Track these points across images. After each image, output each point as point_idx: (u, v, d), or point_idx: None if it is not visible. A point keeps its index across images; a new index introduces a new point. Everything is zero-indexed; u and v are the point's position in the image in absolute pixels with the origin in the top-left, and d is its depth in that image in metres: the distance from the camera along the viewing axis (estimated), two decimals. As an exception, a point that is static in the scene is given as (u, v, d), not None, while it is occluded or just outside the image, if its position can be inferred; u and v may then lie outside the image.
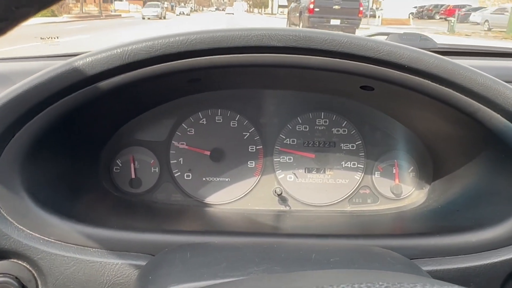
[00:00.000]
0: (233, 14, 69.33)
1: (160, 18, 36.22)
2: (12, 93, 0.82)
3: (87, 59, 0.85)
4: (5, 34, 0.45)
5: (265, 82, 1.18)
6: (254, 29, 0.90)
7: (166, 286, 0.62)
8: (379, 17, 30.18)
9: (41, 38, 1.57)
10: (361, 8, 15.71)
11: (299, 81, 1.14)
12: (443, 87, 0.90)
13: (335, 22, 15.00)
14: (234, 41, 0.88)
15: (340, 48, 0.89)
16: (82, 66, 0.85)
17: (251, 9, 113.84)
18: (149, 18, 34.69)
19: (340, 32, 0.93)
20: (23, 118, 0.84)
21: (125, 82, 0.89)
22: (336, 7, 15.13)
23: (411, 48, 0.91)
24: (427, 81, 0.90)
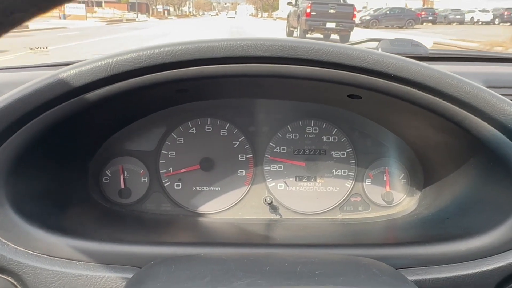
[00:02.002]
0: (234, 17, 73.21)
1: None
2: None
3: (71, 71, 0.85)
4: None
5: (254, 92, 1.18)
6: (240, 39, 0.89)
7: None
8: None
9: (30, 48, 1.56)
10: (354, 12, 16.69)
11: (287, 90, 1.13)
12: (430, 96, 0.89)
13: (330, 25, 15.98)
14: (220, 52, 0.88)
15: (326, 57, 0.88)
16: (66, 79, 0.84)
17: (259, 13, 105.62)
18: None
19: (326, 42, 0.93)
20: (7, 131, 0.83)
21: (111, 93, 0.88)
22: (332, 11, 16.12)
23: (397, 57, 0.91)
24: (414, 89, 0.89)
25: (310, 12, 16.05)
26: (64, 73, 0.84)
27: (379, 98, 0.96)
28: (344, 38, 15.96)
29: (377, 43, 1.86)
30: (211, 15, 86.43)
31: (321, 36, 16.55)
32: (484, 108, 0.87)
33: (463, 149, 1.02)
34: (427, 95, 0.89)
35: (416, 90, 0.90)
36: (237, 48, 0.88)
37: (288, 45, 0.89)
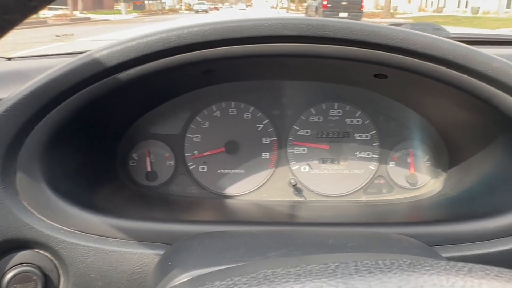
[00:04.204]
0: (245, 9, 68.42)
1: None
2: (31, 87, 0.84)
3: (103, 52, 0.87)
4: None
5: (279, 73, 1.18)
6: (267, 18, 0.90)
7: (186, 270, 0.63)
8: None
9: (56, 35, 1.58)
10: (362, 4, 20.24)
11: (312, 71, 1.14)
12: (458, 73, 0.89)
13: (343, 14, 19.11)
14: (248, 31, 0.89)
15: (353, 35, 0.89)
16: (99, 58, 0.86)
17: (279, 4, 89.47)
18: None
19: (353, 20, 0.93)
20: (42, 111, 0.85)
21: (140, 74, 0.90)
22: (344, 2, 19.62)
23: (425, 34, 0.90)
24: (441, 67, 0.89)
25: (326, 4, 19.60)
26: (97, 53, 0.86)
27: (406, 77, 0.96)
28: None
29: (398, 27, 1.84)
30: (199, 11, 52.66)
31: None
32: None
33: (490, 127, 1.01)
34: (455, 72, 0.89)
35: (444, 68, 0.89)
36: (264, 28, 0.89)
37: (316, 24, 0.89)
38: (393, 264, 0.35)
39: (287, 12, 52.71)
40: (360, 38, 0.89)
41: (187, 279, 0.60)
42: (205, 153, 1.28)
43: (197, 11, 53.78)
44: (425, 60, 0.89)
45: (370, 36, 0.89)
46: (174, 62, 0.90)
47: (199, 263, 0.65)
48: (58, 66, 0.87)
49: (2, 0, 0.38)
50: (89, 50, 0.90)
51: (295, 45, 0.91)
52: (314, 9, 21.57)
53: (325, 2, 19.48)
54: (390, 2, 29.68)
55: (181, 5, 77.16)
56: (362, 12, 20.19)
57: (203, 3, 59.86)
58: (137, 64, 0.89)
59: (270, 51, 0.92)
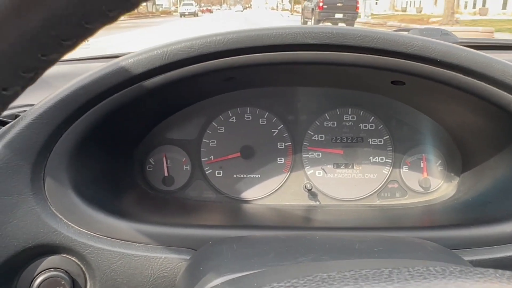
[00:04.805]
0: (241, 11, 64.90)
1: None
2: (61, 94, 0.86)
3: (129, 60, 0.88)
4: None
5: (296, 79, 1.20)
6: (289, 27, 0.92)
7: (220, 275, 0.65)
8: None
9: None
10: (358, 5, 20.50)
11: (329, 78, 1.16)
12: (476, 80, 0.91)
13: (338, 15, 19.78)
14: (270, 40, 0.91)
15: (373, 44, 0.91)
16: (125, 67, 0.88)
17: (279, 5, 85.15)
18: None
19: (372, 29, 0.96)
20: (71, 118, 0.87)
21: (165, 82, 0.92)
22: (339, 4, 19.85)
23: (443, 43, 0.92)
24: (459, 74, 0.91)
25: (322, 6, 19.84)
26: (123, 62, 0.88)
27: (423, 83, 0.98)
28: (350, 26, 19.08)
29: (407, 32, 1.87)
30: (186, 14, 43.64)
31: (331, 25, 19.15)
32: None
33: (504, 133, 1.03)
34: (472, 79, 0.91)
35: (461, 75, 0.91)
36: (286, 36, 0.91)
37: (336, 32, 0.91)
38: (445, 271, 0.36)
39: (291, 14, 47.17)
40: (379, 46, 0.91)
41: (231, 278, 0.61)
42: (221, 158, 1.30)
43: (183, 15, 43.35)
44: (443, 68, 0.91)
45: (389, 44, 0.91)
46: (198, 70, 0.92)
47: (232, 268, 0.67)
48: (86, 74, 0.88)
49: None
50: (105, 56, 0.92)
51: (315, 53, 0.94)
52: (310, 11, 21.95)
53: (321, 4, 19.84)
54: (453, 4, 23.17)
55: (176, 7, 69.41)
56: (357, 13, 20.63)
57: (190, 4, 47.31)
58: (162, 72, 0.91)
59: (292, 59, 0.94)
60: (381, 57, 0.93)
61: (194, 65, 0.92)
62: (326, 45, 0.92)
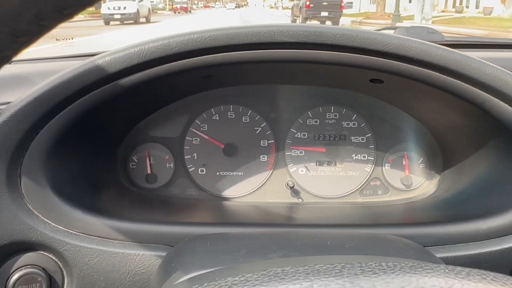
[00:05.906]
0: (233, 9, 62.46)
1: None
2: (36, 92, 0.86)
3: (106, 58, 0.89)
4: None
5: (276, 78, 1.21)
6: (266, 25, 0.93)
7: (189, 272, 0.65)
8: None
9: (56, 39, 1.60)
10: (342, 4, 21.64)
11: (310, 76, 1.16)
12: (452, 79, 0.92)
13: (324, 13, 20.91)
14: (247, 38, 0.91)
15: (350, 42, 0.91)
16: (102, 65, 0.88)
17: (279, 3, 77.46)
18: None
19: (350, 27, 0.96)
20: (47, 116, 0.87)
21: (142, 80, 0.92)
22: (325, 3, 20.90)
23: (419, 41, 0.93)
24: (435, 73, 0.92)
25: (309, 4, 21.04)
26: (100, 60, 0.88)
27: (401, 82, 0.99)
28: (335, 24, 19.79)
29: (393, 31, 1.88)
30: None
31: (318, 23, 20.10)
32: (505, 90, 0.90)
33: (483, 131, 1.04)
34: (449, 78, 0.92)
35: (438, 73, 0.92)
36: (263, 34, 0.92)
37: (313, 31, 0.92)
38: (396, 266, 0.37)
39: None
40: (356, 45, 0.91)
41: (196, 275, 0.62)
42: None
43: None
44: (419, 66, 0.92)
45: (366, 43, 0.91)
46: (175, 68, 0.92)
47: (202, 265, 0.67)
48: (62, 72, 0.89)
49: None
50: (88, 53, 0.92)
51: (293, 51, 0.94)
52: (299, 9, 23.07)
53: (307, 3, 21.04)
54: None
55: (165, 5, 66.22)
56: (341, 12, 21.70)
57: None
58: (140, 70, 0.91)
59: (269, 57, 0.95)
60: (359, 55, 0.93)
61: (172, 63, 0.92)
62: (304, 43, 0.92)
